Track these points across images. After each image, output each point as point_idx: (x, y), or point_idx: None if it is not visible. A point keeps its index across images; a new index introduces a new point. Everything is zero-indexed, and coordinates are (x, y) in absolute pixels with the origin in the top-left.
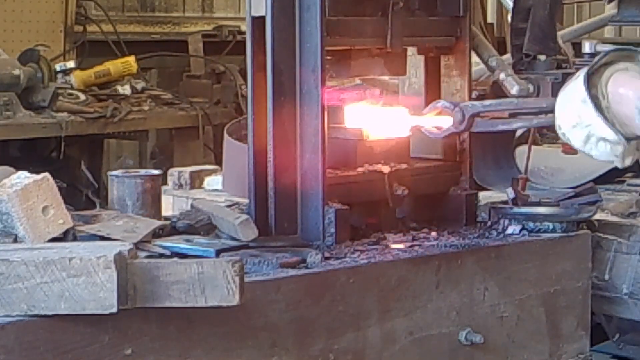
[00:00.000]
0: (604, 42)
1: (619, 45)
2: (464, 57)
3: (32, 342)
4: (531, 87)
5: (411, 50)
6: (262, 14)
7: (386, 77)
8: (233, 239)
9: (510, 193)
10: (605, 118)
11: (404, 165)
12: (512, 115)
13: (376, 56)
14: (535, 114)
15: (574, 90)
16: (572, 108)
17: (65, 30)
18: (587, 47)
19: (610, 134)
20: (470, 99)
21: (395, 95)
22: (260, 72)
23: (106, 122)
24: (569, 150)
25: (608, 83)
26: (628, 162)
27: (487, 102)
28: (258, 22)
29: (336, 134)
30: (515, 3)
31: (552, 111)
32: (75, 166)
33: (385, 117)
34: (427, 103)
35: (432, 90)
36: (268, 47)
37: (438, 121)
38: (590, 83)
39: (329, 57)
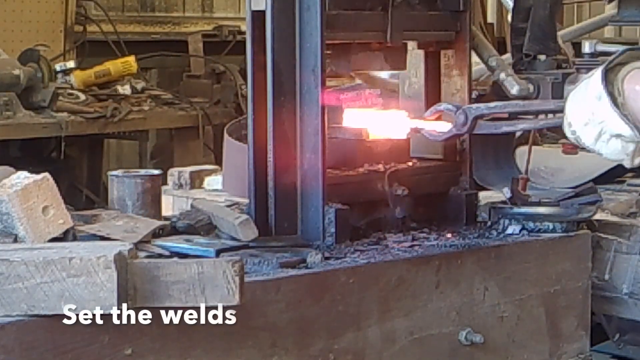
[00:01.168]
0: (604, 42)
1: (618, 45)
2: (464, 54)
3: (32, 342)
4: (531, 87)
5: (411, 45)
6: (262, 8)
7: (386, 76)
8: (233, 239)
9: (506, 192)
10: (622, 114)
11: (404, 165)
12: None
13: (376, 50)
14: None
15: (588, 87)
16: (585, 105)
17: (65, 30)
18: (587, 47)
19: (626, 130)
20: (470, 99)
21: (394, 94)
22: (260, 72)
23: (106, 122)
24: (569, 150)
25: (624, 80)
26: (637, 161)
27: (491, 104)
28: (258, 17)
29: (336, 134)
30: (515, 3)
31: (558, 112)
32: (75, 166)
33: (385, 120)
34: (427, 103)
35: (432, 91)
36: (268, 46)
37: (438, 125)
38: (606, 80)
39: (328, 52)
